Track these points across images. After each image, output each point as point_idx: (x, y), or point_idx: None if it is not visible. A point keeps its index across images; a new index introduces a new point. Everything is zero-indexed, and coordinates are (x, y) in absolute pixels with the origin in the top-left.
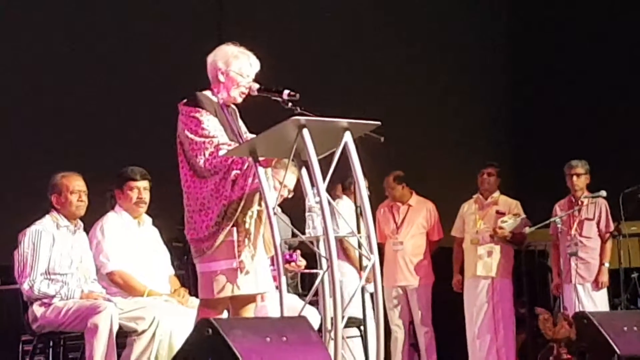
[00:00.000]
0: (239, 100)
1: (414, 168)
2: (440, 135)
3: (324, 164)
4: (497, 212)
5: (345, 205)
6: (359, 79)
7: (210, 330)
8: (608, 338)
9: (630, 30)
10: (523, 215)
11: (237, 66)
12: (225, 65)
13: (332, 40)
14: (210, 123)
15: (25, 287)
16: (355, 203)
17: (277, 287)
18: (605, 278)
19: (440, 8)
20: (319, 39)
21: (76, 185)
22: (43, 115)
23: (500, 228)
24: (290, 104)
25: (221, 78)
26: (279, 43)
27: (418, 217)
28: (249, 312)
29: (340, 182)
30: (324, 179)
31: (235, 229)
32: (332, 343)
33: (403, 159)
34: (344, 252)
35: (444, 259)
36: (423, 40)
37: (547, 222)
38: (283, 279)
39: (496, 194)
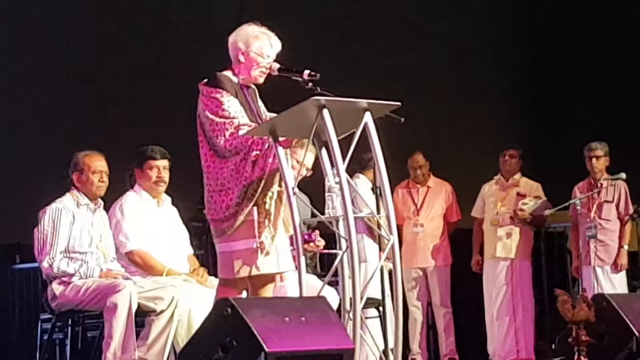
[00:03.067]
0: (260, 80)
1: (433, 149)
2: (460, 116)
3: (344, 144)
4: (518, 194)
5: (361, 184)
6: (379, 60)
7: (229, 310)
8: (627, 320)
9: None
10: (544, 198)
11: (257, 46)
12: (246, 46)
13: (354, 20)
14: (231, 104)
15: (45, 265)
16: (374, 183)
17: (296, 267)
18: (624, 260)
19: None
20: (340, 20)
21: (98, 166)
22: (64, 93)
23: (521, 210)
24: (310, 84)
25: (241, 58)
26: (300, 23)
27: (437, 198)
28: (268, 291)
29: (356, 161)
30: (343, 159)
31: (255, 209)
32: (350, 323)
33: (422, 140)
34: (370, 231)
35: (462, 240)
36: (444, 21)
37: (567, 204)
38: (302, 259)
39: (517, 175)
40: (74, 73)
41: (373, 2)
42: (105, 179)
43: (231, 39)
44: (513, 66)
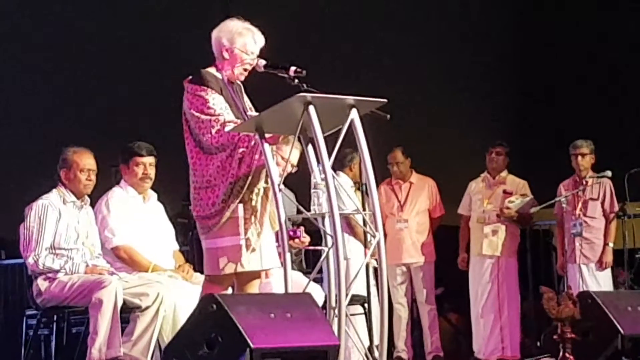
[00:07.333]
0: (242, 77)
1: (418, 146)
2: (445, 113)
3: (330, 141)
4: (505, 191)
5: (342, 182)
6: (365, 56)
7: (214, 306)
8: (612, 318)
9: None
10: (530, 196)
11: (241, 43)
12: (230, 43)
13: (340, 17)
14: (216, 101)
15: (30, 261)
16: (360, 180)
17: (281, 264)
18: (609, 258)
19: None
20: (327, 16)
21: (87, 164)
22: (49, 89)
23: (507, 208)
24: (296, 80)
25: (225, 55)
26: (287, 19)
27: (421, 194)
28: (253, 288)
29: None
30: (329, 156)
31: (241, 205)
32: (336, 320)
33: (406, 137)
34: (351, 229)
35: (447, 238)
36: (428, 17)
37: (552, 201)
38: (287, 255)
39: (504, 173)
40: (60, 68)
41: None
42: (93, 177)
43: (215, 34)
44: (499, 63)
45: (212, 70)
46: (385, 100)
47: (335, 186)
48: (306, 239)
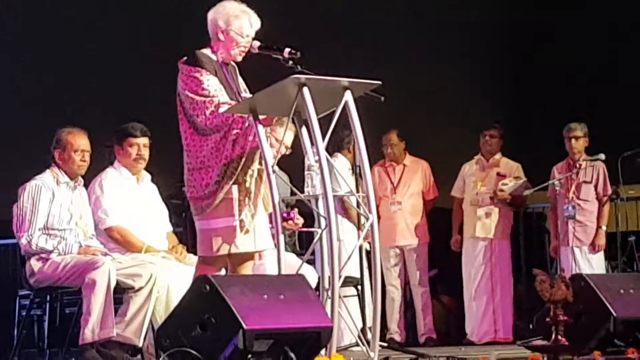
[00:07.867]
0: (239, 59)
1: (411, 128)
2: (439, 95)
3: (324, 123)
4: (498, 174)
5: (339, 163)
6: (360, 38)
7: (207, 287)
8: (604, 300)
9: None
10: (524, 178)
11: (237, 26)
12: (226, 25)
13: None
14: (211, 82)
15: (23, 241)
16: (354, 162)
17: (275, 246)
18: (602, 241)
19: None
20: None
21: (81, 144)
22: (43, 69)
23: (501, 190)
24: (291, 62)
25: (221, 37)
26: (282, 1)
27: (414, 176)
28: (246, 269)
29: (335, 141)
30: (323, 138)
31: (235, 187)
32: (329, 302)
33: (400, 119)
34: (344, 211)
35: (439, 219)
36: (423, 0)
37: (546, 184)
38: (281, 237)
39: (498, 155)
40: (53, 49)
41: None
42: (87, 158)
43: (211, 15)
44: (493, 45)
45: (206, 51)
46: (379, 82)
47: (329, 168)
48: (300, 220)
